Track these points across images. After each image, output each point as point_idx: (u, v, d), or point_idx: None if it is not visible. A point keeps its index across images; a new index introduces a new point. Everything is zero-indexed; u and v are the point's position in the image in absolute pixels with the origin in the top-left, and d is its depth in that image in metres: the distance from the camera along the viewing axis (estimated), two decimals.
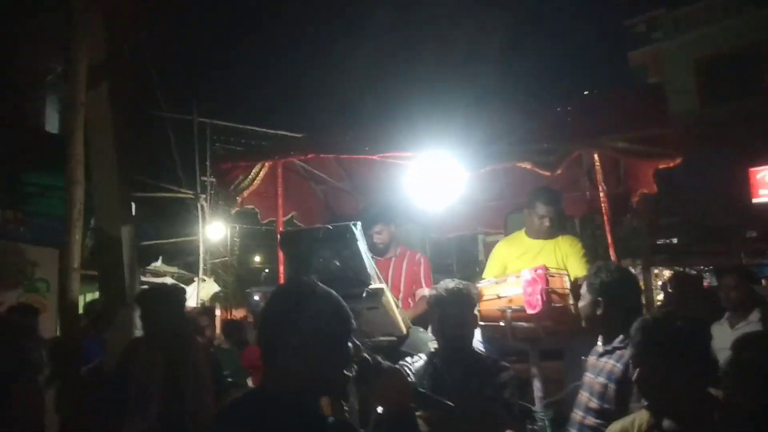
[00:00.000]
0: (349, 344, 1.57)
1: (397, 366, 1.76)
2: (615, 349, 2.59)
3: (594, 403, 2.53)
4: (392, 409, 1.64)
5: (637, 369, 1.99)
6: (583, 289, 2.81)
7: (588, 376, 2.69)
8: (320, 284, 1.60)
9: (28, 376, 2.11)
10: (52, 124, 9.94)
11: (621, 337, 2.58)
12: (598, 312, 2.68)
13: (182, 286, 3.79)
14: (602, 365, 2.61)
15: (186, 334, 3.28)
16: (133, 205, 9.78)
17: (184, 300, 3.29)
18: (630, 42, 16.44)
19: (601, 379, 2.56)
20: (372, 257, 3.58)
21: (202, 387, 3.16)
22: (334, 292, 1.61)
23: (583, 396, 2.65)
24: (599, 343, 2.85)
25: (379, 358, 1.70)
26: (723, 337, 4.18)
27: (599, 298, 2.68)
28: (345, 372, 1.57)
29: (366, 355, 1.67)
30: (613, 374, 2.51)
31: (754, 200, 12.82)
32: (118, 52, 4.30)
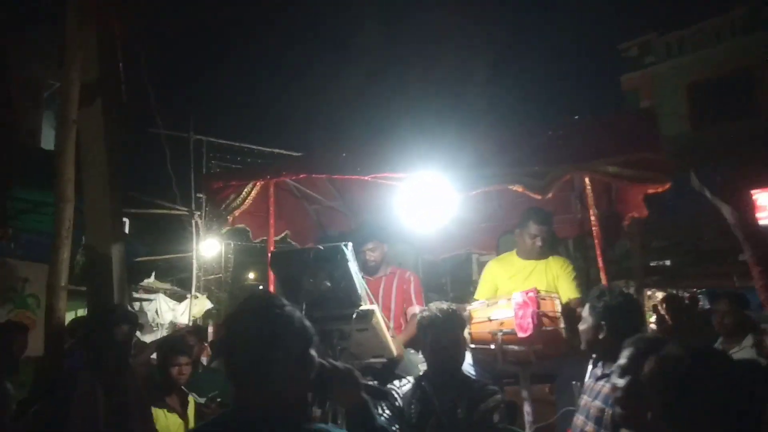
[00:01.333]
0: (313, 352, 1.64)
1: (350, 366, 1.83)
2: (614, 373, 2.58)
3: (590, 427, 2.51)
4: (350, 405, 1.74)
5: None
6: (585, 312, 2.80)
7: (584, 399, 2.67)
8: (280, 298, 1.67)
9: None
10: (48, 140, 9.94)
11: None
12: (601, 336, 2.66)
13: (131, 310, 3.73)
14: (600, 388, 2.58)
15: (125, 360, 3.18)
16: (127, 222, 9.80)
17: (124, 325, 3.16)
18: (622, 66, 16.58)
19: (598, 403, 2.53)
20: (363, 277, 3.57)
21: (145, 414, 3.09)
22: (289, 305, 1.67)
23: (579, 419, 2.62)
24: (591, 366, 2.83)
25: (332, 361, 1.78)
26: None
27: (602, 322, 2.66)
28: (311, 380, 1.64)
29: (323, 360, 1.73)
30: (611, 398, 2.49)
31: None
32: (112, 68, 4.30)
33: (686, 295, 10.52)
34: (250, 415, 1.54)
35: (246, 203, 4.07)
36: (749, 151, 12.10)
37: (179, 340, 3.99)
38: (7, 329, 4.84)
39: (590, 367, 2.99)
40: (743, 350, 4.26)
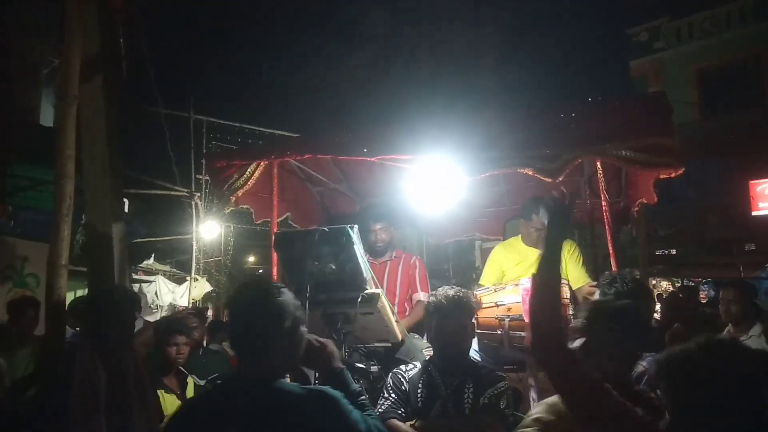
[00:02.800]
0: (303, 329, 1.94)
1: (329, 341, 2.13)
2: None
3: None
4: (329, 374, 2.06)
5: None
6: (596, 298, 2.74)
7: None
8: (276, 281, 1.97)
9: None
10: (47, 117, 9.85)
11: None
12: None
13: (133, 290, 3.69)
14: None
15: (126, 339, 3.12)
16: (127, 202, 9.72)
17: (126, 304, 3.12)
18: (632, 51, 16.41)
19: None
20: (368, 260, 3.51)
21: (145, 394, 3.04)
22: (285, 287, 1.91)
23: None
24: None
25: (317, 338, 2.08)
26: None
27: None
28: (300, 353, 1.95)
29: (308, 337, 2.02)
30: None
31: (754, 213, 12.76)
32: (113, 45, 4.21)
33: (690, 284, 10.49)
34: (249, 382, 1.79)
35: (249, 183, 3.99)
36: (757, 141, 12.00)
37: (177, 320, 3.93)
38: (16, 305, 4.84)
39: None
40: (750, 339, 4.23)
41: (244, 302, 1.87)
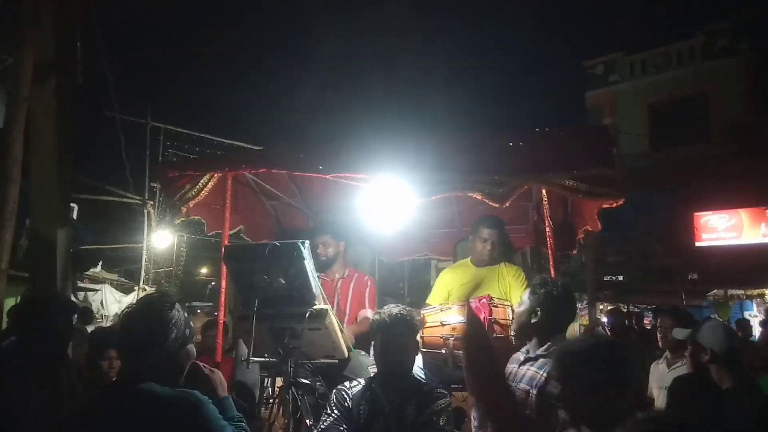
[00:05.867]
0: (191, 348, 2.08)
1: (216, 372, 2.29)
2: (539, 356, 2.62)
3: None
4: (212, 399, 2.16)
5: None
6: (525, 296, 2.84)
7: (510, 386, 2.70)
8: (173, 298, 2.07)
9: None
10: None
11: (546, 345, 2.62)
12: (533, 320, 2.72)
13: (71, 299, 3.59)
14: (524, 372, 2.64)
15: (62, 351, 2.99)
16: (75, 207, 9.45)
17: (63, 314, 2.97)
18: (588, 82, 16.98)
19: (523, 386, 2.58)
20: (319, 277, 3.52)
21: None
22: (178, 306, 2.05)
23: None
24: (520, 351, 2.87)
25: (207, 367, 2.28)
26: (660, 377, 4.28)
27: (538, 308, 2.72)
28: (185, 370, 2.08)
29: (198, 363, 2.21)
30: (535, 380, 2.54)
31: (698, 244, 13.33)
32: (69, 48, 4.15)
33: (636, 310, 10.82)
34: (122, 384, 1.95)
35: (202, 194, 3.95)
36: (702, 175, 12.54)
37: (111, 332, 3.80)
38: None
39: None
40: (686, 365, 4.36)
41: (138, 312, 2.02)
